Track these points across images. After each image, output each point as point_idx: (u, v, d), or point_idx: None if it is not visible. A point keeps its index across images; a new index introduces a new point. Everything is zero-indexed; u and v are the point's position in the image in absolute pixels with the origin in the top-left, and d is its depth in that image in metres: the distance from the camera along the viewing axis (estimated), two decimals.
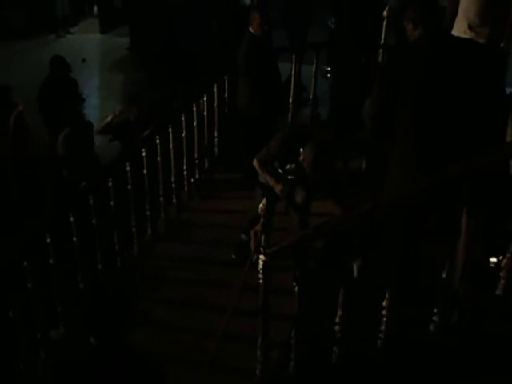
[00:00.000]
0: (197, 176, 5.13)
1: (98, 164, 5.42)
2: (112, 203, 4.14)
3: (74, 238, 3.84)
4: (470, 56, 2.81)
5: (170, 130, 4.56)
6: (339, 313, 2.85)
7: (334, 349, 2.94)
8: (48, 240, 3.61)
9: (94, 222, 4.00)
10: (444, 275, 2.79)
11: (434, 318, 2.88)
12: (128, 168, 4.21)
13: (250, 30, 4.78)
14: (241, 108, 4.98)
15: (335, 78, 6.64)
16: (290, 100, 5.47)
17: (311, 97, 5.74)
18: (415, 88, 2.78)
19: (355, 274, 3.40)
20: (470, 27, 3.98)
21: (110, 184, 4.09)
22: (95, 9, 11.87)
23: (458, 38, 3.11)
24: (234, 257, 4.12)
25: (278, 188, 3.73)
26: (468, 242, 2.75)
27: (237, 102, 5.11)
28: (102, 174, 4.25)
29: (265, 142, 4.24)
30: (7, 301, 3.31)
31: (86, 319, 2.07)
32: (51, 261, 3.65)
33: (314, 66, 5.63)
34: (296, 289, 2.81)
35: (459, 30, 3.98)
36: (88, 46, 10.84)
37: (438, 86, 2.76)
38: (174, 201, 4.79)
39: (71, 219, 3.79)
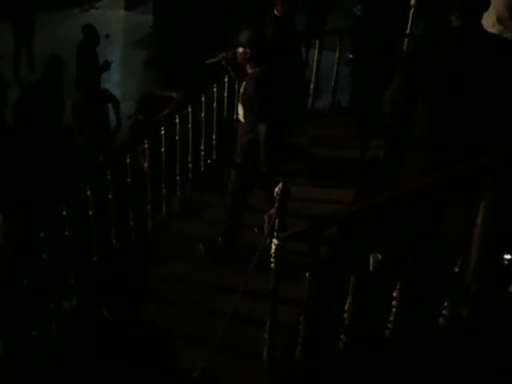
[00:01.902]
0: (214, 156, 5.14)
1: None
2: (129, 180, 4.17)
3: (90, 212, 3.89)
4: (501, 53, 2.77)
5: (189, 109, 4.57)
6: (349, 300, 2.87)
7: (342, 336, 2.96)
8: (64, 212, 3.66)
9: (110, 197, 4.04)
10: (457, 270, 2.79)
11: (444, 311, 2.88)
12: (146, 146, 4.23)
13: (275, 11, 4.73)
14: None
15: (357, 66, 6.58)
16: (312, 86, 5.45)
17: (333, 83, 5.71)
18: (440, 78, 2.76)
19: (371, 268, 3.41)
20: (499, 20, 3.91)
21: (127, 161, 4.11)
22: None
23: (491, 34, 3.06)
24: (256, 230, 4.12)
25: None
26: (483, 238, 2.73)
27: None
28: (121, 149, 4.28)
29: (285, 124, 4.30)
30: (23, 270, 3.37)
31: (100, 290, 2.10)
32: (66, 233, 3.70)
33: (337, 52, 5.59)
34: (307, 274, 2.82)
35: (487, 22, 3.90)
36: (112, 21, 10.85)
37: (464, 79, 2.74)
38: (191, 179, 4.81)
39: (88, 193, 3.84)
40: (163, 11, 9.70)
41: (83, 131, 5.47)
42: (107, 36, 9.99)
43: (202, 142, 4.87)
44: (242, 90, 3.76)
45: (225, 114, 5.13)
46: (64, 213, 3.65)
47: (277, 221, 2.79)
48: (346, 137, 5.30)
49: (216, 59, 3.71)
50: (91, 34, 6.68)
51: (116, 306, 2.10)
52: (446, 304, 2.87)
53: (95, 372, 2.09)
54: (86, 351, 2.12)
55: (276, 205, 2.77)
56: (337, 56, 5.62)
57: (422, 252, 2.95)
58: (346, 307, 2.88)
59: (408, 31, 5.35)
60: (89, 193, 3.83)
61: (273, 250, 2.82)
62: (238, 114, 3.84)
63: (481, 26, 2.90)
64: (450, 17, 2.83)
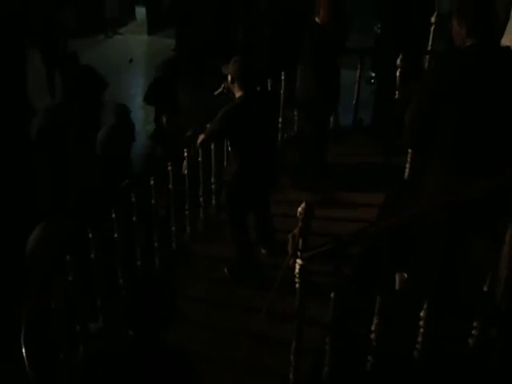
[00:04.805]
0: None
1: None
2: (152, 202, 4.21)
3: (115, 235, 3.93)
4: None
5: None
6: (375, 321, 2.82)
7: (369, 357, 2.91)
8: (90, 235, 3.71)
9: (134, 219, 4.08)
10: (485, 288, 2.73)
11: (473, 332, 2.82)
12: (170, 168, 4.27)
13: (316, 19, 4.74)
14: (303, 100, 4.98)
15: (379, 84, 6.58)
16: None
17: (354, 102, 5.71)
18: (459, 97, 2.73)
19: (397, 287, 3.37)
20: None
21: (151, 183, 4.16)
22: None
23: (509, 52, 3.03)
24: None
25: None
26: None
27: (296, 97, 5.18)
28: (145, 172, 4.33)
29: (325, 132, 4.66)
30: (50, 293, 3.41)
31: (126, 312, 2.11)
32: (92, 255, 3.75)
33: (358, 71, 5.61)
34: (332, 294, 2.79)
35: (511, 39, 3.88)
36: (135, 46, 11.07)
37: (484, 96, 2.71)
38: (214, 202, 4.83)
39: (113, 216, 3.88)
40: (185, 35, 9.87)
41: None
42: (131, 60, 10.20)
43: (225, 163, 4.89)
44: None
45: None
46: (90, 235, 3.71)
47: (300, 240, 2.77)
48: (368, 155, 5.27)
49: (220, 90, 3.87)
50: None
51: (141, 326, 2.10)
52: (474, 324, 2.81)
53: None
54: (111, 372, 2.12)
55: (299, 224, 2.75)
56: (358, 74, 5.63)
57: (449, 271, 2.90)
58: (373, 327, 2.84)
59: (429, 48, 5.34)
60: (114, 215, 3.88)
61: (297, 270, 2.80)
62: None
63: (495, 42, 2.87)
64: (469, 34, 2.79)
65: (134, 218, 4.07)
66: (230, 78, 3.76)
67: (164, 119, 5.89)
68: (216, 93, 3.91)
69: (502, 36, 3.90)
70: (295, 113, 5.58)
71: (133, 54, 10.49)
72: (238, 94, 3.79)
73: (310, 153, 5.02)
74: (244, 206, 4.05)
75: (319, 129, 4.96)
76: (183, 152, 4.38)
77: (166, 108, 6.05)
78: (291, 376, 3.03)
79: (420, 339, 2.84)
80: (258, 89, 4.35)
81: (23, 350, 3.06)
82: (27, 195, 5.29)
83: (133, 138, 6.03)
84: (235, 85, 3.76)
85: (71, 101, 5.35)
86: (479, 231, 2.83)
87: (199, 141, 4.00)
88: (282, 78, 5.34)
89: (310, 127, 5.00)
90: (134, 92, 8.34)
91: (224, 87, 3.85)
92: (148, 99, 6.43)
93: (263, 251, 4.26)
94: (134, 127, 6.10)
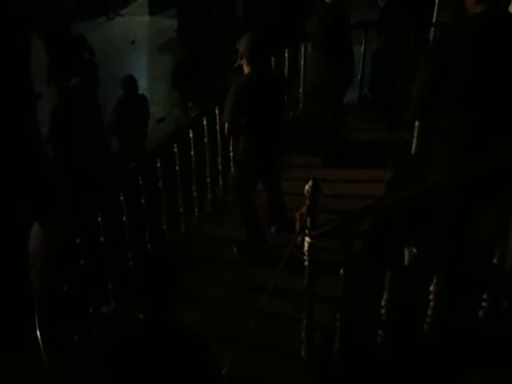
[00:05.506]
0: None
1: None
2: (160, 184, 4.22)
3: (124, 218, 3.95)
4: None
5: (216, 111, 4.58)
6: (385, 296, 2.84)
7: (379, 332, 2.93)
8: (99, 219, 3.73)
9: (142, 201, 4.09)
10: (495, 261, 2.73)
11: (483, 304, 2.82)
12: (176, 149, 4.27)
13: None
14: (314, 82, 4.92)
15: (380, 57, 6.50)
16: None
17: (359, 77, 5.66)
18: (468, 66, 2.70)
19: (406, 262, 3.37)
20: None
21: (158, 165, 4.16)
22: None
23: None
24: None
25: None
26: None
27: (308, 78, 5.13)
28: (151, 154, 4.33)
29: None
30: (62, 276, 3.44)
31: (135, 292, 2.13)
32: (102, 239, 3.77)
33: (363, 45, 5.54)
34: (341, 271, 2.81)
35: None
36: (137, 27, 10.98)
37: (492, 66, 2.68)
38: (221, 182, 4.83)
39: (121, 199, 3.89)
40: (187, 15, 9.76)
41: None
42: (133, 42, 10.13)
43: (231, 143, 4.88)
44: None
45: None
46: (99, 219, 3.73)
47: (308, 218, 2.78)
48: (374, 130, 5.24)
49: (238, 63, 3.85)
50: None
51: (151, 308, 2.12)
52: (484, 296, 2.81)
53: (132, 374, 2.12)
54: (124, 353, 2.15)
55: (307, 202, 2.75)
56: (362, 49, 5.57)
57: (458, 244, 2.90)
58: (383, 303, 2.86)
59: (434, 20, 5.27)
60: (122, 198, 3.89)
61: (305, 247, 2.81)
62: None
63: (503, 9, 2.82)
64: (478, 2, 2.75)
65: (143, 201, 4.09)
66: (240, 53, 3.76)
67: (190, 104, 5.88)
68: (236, 64, 3.89)
69: (510, 3, 3.84)
70: (300, 90, 5.54)
71: (135, 35, 10.42)
72: (245, 70, 3.78)
73: (321, 131, 4.98)
74: (253, 184, 4.04)
75: (334, 108, 4.90)
76: (189, 133, 4.37)
77: (192, 92, 6.03)
78: (303, 353, 3.06)
79: (430, 312, 2.85)
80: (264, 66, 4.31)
81: (38, 333, 3.10)
82: (34, 181, 5.31)
83: (147, 111, 6.01)
84: (244, 61, 3.76)
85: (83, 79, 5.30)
86: (488, 203, 2.82)
87: (226, 132, 3.92)
88: (286, 55, 5.29)
89: (322, 107, 4.94)
90: (137, 74, 8.28)
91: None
92: (175, 82, 6.45)
93: (272, 230, 4.26)
94: (146, 99, 6.07)
